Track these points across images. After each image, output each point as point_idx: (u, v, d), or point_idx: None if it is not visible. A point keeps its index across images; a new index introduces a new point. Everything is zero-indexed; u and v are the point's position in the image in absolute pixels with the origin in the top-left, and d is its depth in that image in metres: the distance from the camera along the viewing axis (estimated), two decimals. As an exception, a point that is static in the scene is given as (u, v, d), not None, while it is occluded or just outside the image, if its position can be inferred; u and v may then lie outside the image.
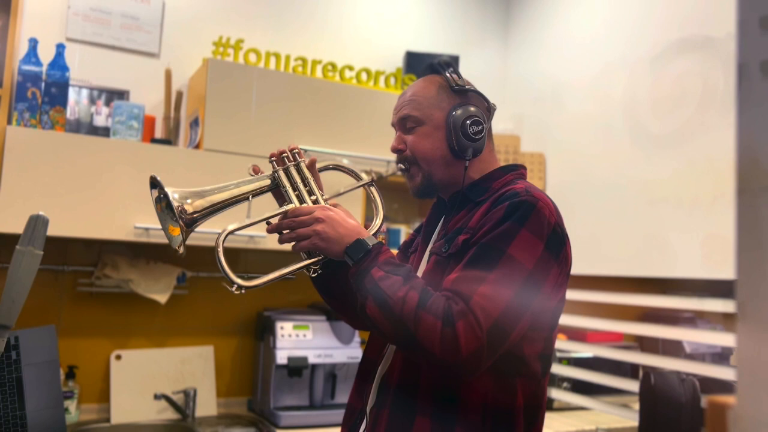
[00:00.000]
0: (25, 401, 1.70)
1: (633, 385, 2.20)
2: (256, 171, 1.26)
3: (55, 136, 2.00)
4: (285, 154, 1.25)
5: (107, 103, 2.34)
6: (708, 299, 2.07)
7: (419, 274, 1.22)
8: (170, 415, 2.28)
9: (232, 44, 2.44)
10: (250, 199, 1.22)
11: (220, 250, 1.14)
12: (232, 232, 1.17)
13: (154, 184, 1.17)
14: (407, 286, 1.05)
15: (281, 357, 2.22)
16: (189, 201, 1.15)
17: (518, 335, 1.08)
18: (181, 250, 1.17)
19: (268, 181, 1.24)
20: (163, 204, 1.16)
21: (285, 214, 1.19)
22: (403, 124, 1.27)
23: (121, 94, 2.38)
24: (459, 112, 1.22)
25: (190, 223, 1.15)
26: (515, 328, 1.05)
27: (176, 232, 1.15)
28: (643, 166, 2.28)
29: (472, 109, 1.23)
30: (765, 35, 0.44)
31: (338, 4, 2.82)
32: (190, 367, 2.37)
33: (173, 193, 1.15)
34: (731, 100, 1.96)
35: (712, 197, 2.02)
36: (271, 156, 1.26)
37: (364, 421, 1.20)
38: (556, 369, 2.57)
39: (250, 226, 1.20)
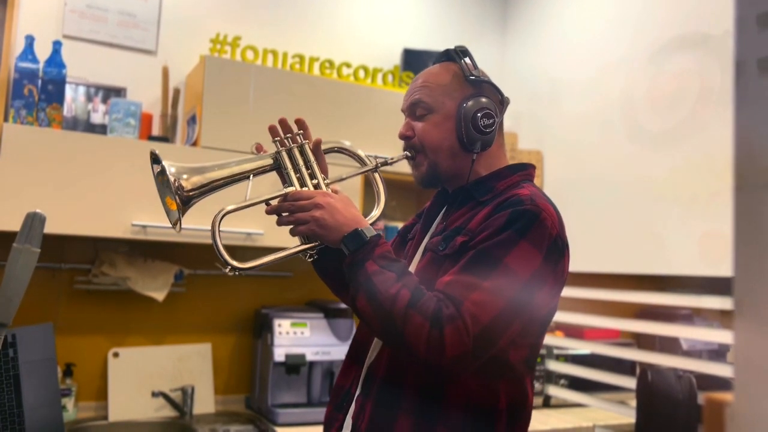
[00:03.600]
0: (23, 399, 1.70)
1: (630, 382, 2.20)
2: (258, 149, 1.24)
3: (51, 133, 1.99)
4: (289, 135, 1.22)
5: (104, 101, 2.34)
6: (705, 296, 2.07)
7: (413, 267, 1.22)
8: (168, 412, 2.28)
9: (230, 41, 2.44)
10: (251, 178, 1.19)
11: (217, 230, 1.12)
12: (229, 213, 1.15)
13: (156, 159, 1.14)
14: (400, 284, 1.04)
15: (279, 354, 2.22)
16: (185, 177, 1.13)
17: (505, 343, 1.08)
18: (178, 228, 1.15)
19: (270, 161, 1.22)
20: (164, 178, 1.14)
21: (285, 197, 1.17)
22: (413, 110, 1.25)
23: (118, 92, 2.38)
24: (471, 103, 1.19)
25: (187, 200, 1.13)
26: (503, 336, 1.05)
27: (174, 206, 1.13)
28: (640, 164, 2.29)
29: (485, 100, 1.20)
30: (762, 32, 0.44)
31: (336, 1, 2.81)
32: (188, 365, 2.36)
33: (170, 167, 1.12)
34: (729, 98, 1.96)
35: (710, 194, 2.02)
36: (270, 127, 1.23)
37: (351, 407, 1.20)
38: (553, 366, 2.58)
39: (249, 206, 1.17)
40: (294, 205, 1.15)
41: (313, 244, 1.18)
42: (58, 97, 2.08)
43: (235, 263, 1.13)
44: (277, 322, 2.29)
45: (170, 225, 1.16)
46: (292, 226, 1.16)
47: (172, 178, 1.11)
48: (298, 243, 1.20)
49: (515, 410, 1.15)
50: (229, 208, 1.15)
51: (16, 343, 1.73)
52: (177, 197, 1.11)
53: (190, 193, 1.13)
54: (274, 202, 1.18)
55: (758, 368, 0.43)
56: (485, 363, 1.06)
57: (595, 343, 2.56)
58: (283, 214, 1.17)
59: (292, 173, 1.20)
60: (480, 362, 1.05)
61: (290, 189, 1.19)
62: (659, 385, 1.88)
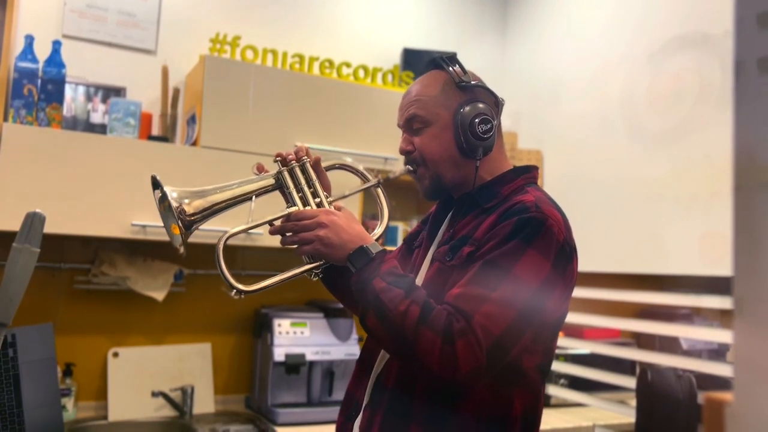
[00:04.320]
0: (23, 398, 1.70)
1: (630, 382, 2.20)
2: (260, 169, 1.23)
3: (51, 133, 1.99)
4: (290, 154, 1.22)
5: (104, 100, 2.34)
6: (705, 296, 2.07)
7: (420, 277, 1.21)
8: (168, 412, 2.28)
9: (229, 41, 2.44)
10: (253, 198, 1.19)
11: (221, 253, 1.12)
12: (233, 235, 1.15)
13: (156, 184, 1.15)
14: (409, 300, 1.04)
15: (279, 354, 2.22)
16: (188, 201, 1.13)
17: (518, 351, 1.07)
18: (182, 249, 1.15)
19: (272, 181, 1.21)
20: (166, 204, 1.14)
21: (288, 217, 1.17)
22: (410, 125, 1.23)
23: (118, 91, 2.37)
24: (466, 110, 1.18)
25: (189, 225, 1.13)
26: (515, 347, 1.05)
27: (178, 231, 1.13)
28: (640, 163, 2.29)
29: (480, 106, 1.18)
30: (762, 32, 0.44)
31: (336, 1, 2.81)
32: (188, 365, 2.36)
33: (172, 192, 1.12)
34: (728, 97, 1.96)
35: (709, 194, 2.02)
36: (277, 155, 1.23)
37: (360, 416, 1.20)
38: (554, 366, 2.57)
39: (252, 228, 1.17)
40: (297, 225, 1.14)
41: (318, 264, 1.17)
42: (57, 97, 2.08)
43: (240, 286, 1.12)
44: (276, 321, 2.29)
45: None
46: (296, 246, 1.15)
47: (174, 204, 1.11)
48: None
49: (529, 417, 1.14)
50: (233, 231, 1.15)
51: (16, 342, 1.73)
52: (180, 222, 1.11)
53: (193, 218, 1.13)
54: (277, 223, 1.18)
55: (758, 368, 0.43)
56: (498, 372, 1.06)
57: (595, 342, 2.56)
58: (287, 234, 1.16)
59: (294, 192, 1.20)
60: (495, 373, 1.04)
61: (293, 209, 1.18)
62: (659, 385, 1.88)
